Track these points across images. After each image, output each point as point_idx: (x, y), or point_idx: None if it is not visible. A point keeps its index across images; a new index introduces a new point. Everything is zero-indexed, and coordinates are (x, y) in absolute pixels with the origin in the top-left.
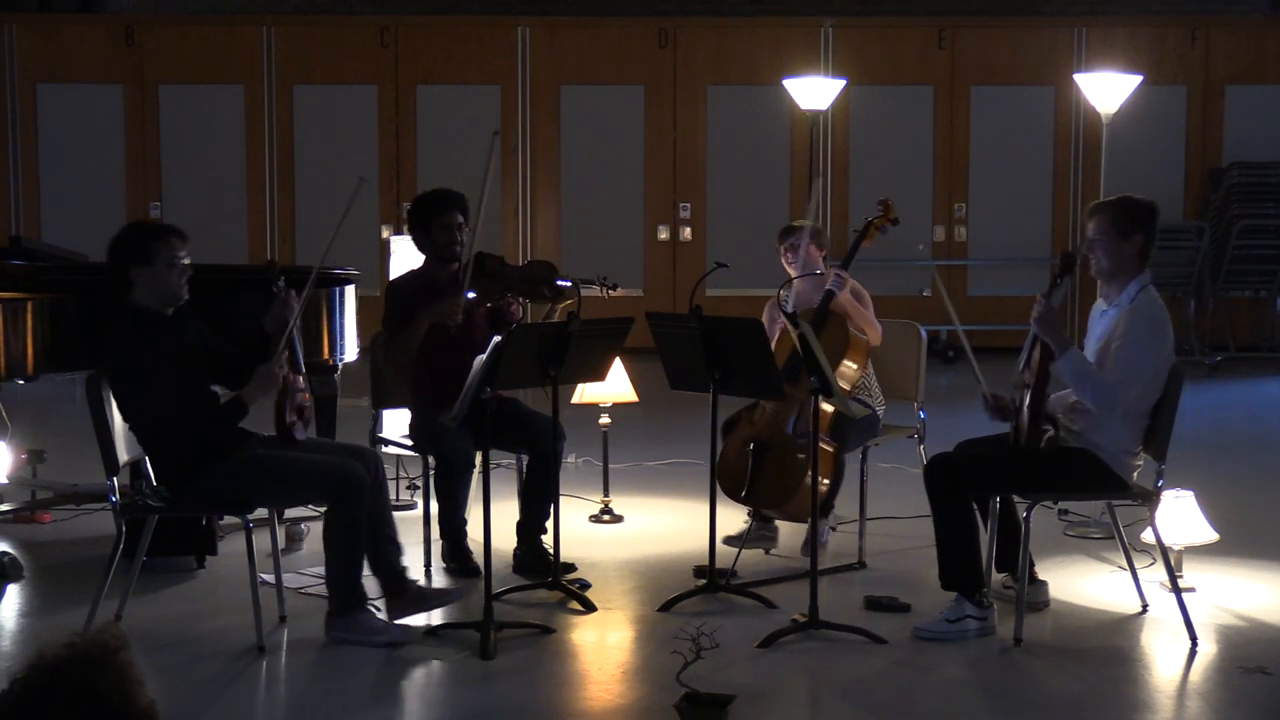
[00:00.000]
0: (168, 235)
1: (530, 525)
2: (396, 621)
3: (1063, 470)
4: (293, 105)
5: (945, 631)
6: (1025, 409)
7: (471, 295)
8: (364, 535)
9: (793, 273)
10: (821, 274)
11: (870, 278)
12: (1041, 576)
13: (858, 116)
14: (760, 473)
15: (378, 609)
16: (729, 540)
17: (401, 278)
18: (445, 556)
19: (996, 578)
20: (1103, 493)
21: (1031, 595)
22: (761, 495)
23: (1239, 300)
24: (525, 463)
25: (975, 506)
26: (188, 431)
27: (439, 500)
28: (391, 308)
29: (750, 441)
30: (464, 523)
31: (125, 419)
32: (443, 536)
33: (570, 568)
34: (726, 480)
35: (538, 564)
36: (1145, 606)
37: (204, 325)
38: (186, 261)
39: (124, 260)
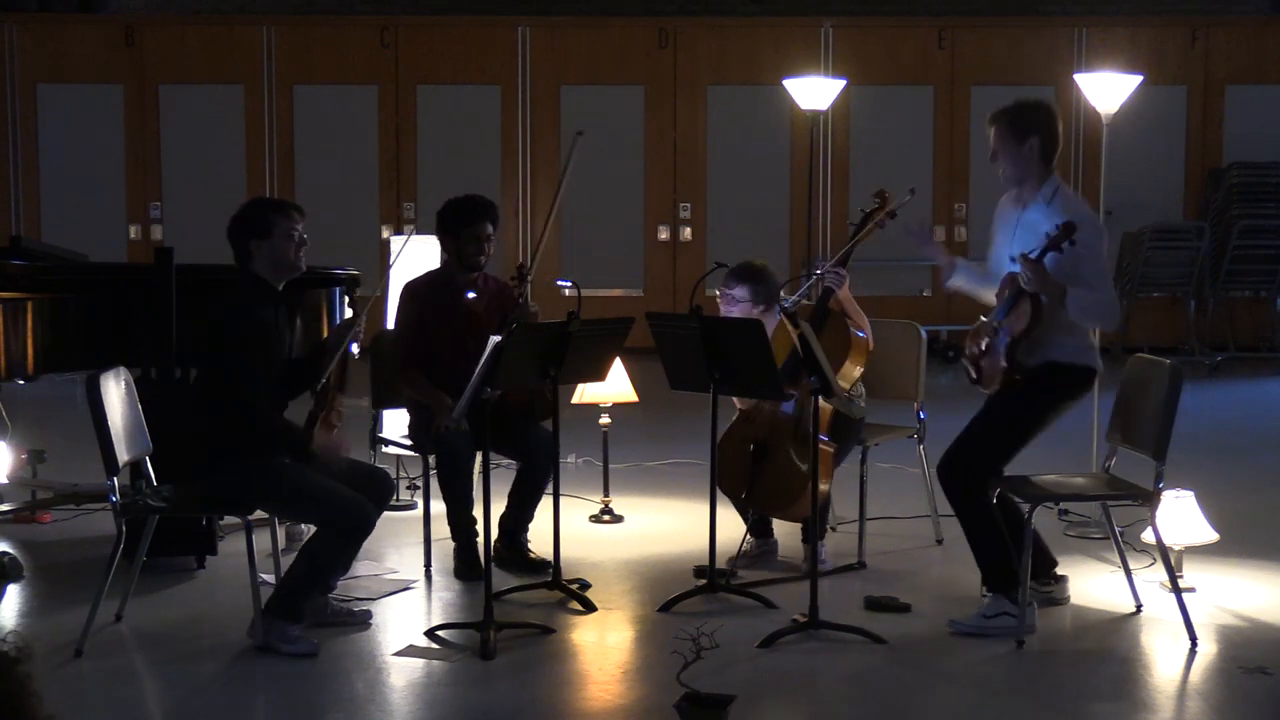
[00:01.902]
0: (286, 208)
1: (513, 523)
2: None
3: (1038, 390)
4: (293, 105)
5: (982, 627)
6: (1000, 352)
7: (471, 295)
8: (340, 572)
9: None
10: (819, 274)
11: (870, 278)
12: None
13: (858, 116)
14: (761, 475)
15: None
16: (732, 562)
17: (417, 280)
18: (458, 560)
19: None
20: (1082, 387)
21: (1058, 592)
22: (763, 498)
23: (1239, 300)
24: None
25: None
26: (249, 416)
27: (445, 501)
28: (403, 310)
29: (750, 443)
30: (474, 521)
31: (201, 389)
32: (454, 539)
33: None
34: (727, 482)
35: (517, 560)
36: (1139, 606)
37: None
38: (303, 234)
39: (245, 234)
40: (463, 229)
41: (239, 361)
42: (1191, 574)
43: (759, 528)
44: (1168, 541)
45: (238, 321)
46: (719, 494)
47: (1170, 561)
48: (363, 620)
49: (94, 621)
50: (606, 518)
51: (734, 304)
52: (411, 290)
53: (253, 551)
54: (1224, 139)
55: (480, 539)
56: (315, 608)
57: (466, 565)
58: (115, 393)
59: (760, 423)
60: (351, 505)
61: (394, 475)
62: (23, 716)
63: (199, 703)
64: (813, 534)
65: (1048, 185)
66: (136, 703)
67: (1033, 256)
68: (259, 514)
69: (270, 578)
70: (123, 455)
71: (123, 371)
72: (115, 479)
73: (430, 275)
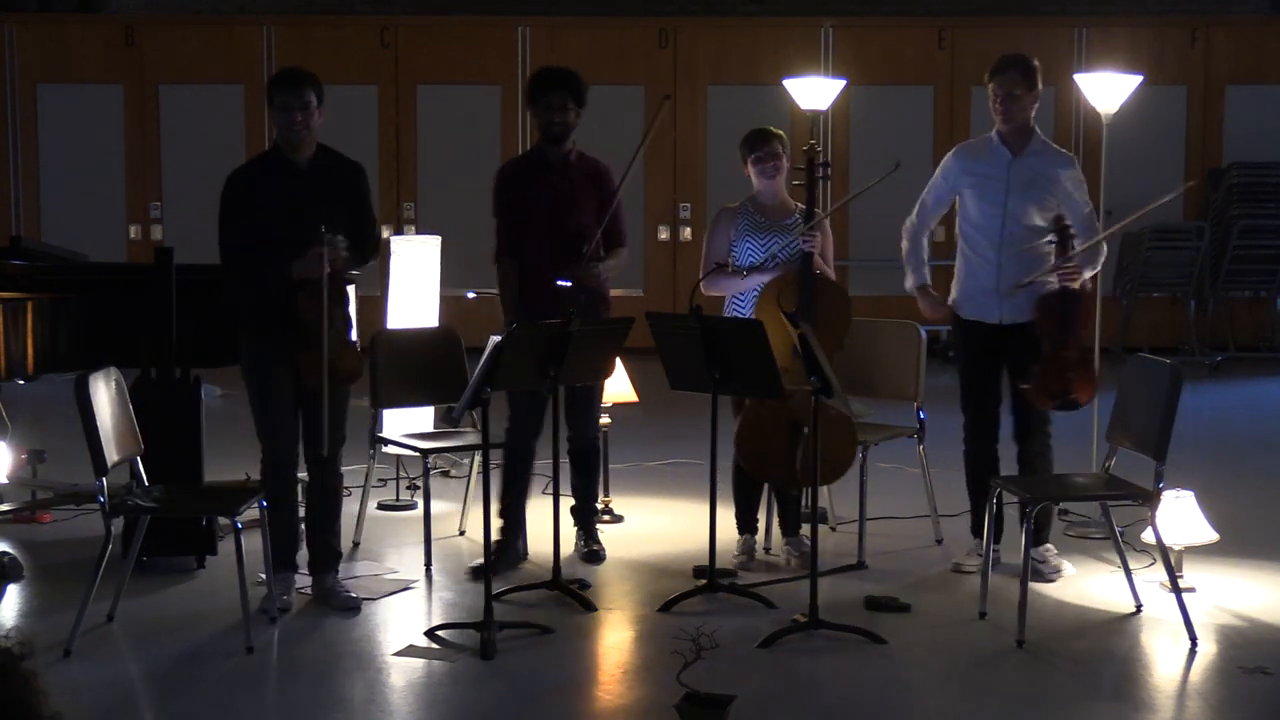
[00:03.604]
0: (285, 83)
1: (581, 498)
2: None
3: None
4: None
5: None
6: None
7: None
8: (286, 509)
9: (759, 185)
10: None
11: (870, 278)
12: (1040, 576)
13: (858, 116)
14: (809, 453)
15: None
16: (733, 573)
17: (506, 163)
18: (496, 554)
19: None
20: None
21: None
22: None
23: (1239, 300)
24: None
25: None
26: (236, 272)
27: (502, 481)
28: (495, 197)
29: (789, 426)
30: (522, 523)
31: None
32: (502, 529)
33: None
34: (772, 471)
35: (589, 557)
36: (1139, 606)
37: (351, 199)
38: (304, 110)
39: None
40: (538, 99)
41: (220, 225)
42: (1191, 574)
43: (752, 525)
44: (1168, 541)
45: (224, 189)
46: (741, 489)
47: (1170, 561)
48: (349, 606)
49: (85, 621)
50: (606, 518)
51: (780, 168)
52: (501, 174)
53: (241, 552)
54: (1224, 139)
55: (480, 537)
56: (321, 589)
57: (502, 560)
58: (105, 393)
59: (795, 407)
60: (273, 442)
61: (394, 475)
62: (29, 713)
63: (196, 702)
64: (813, 531)
65: (1037, 132)
66: (131, 703)
67: (1068, 262)
68: (250, 515)
69: (264, 577)
70: (112, 456)
71: (113, 372)
72: (105, 479)
73: (521, 156)
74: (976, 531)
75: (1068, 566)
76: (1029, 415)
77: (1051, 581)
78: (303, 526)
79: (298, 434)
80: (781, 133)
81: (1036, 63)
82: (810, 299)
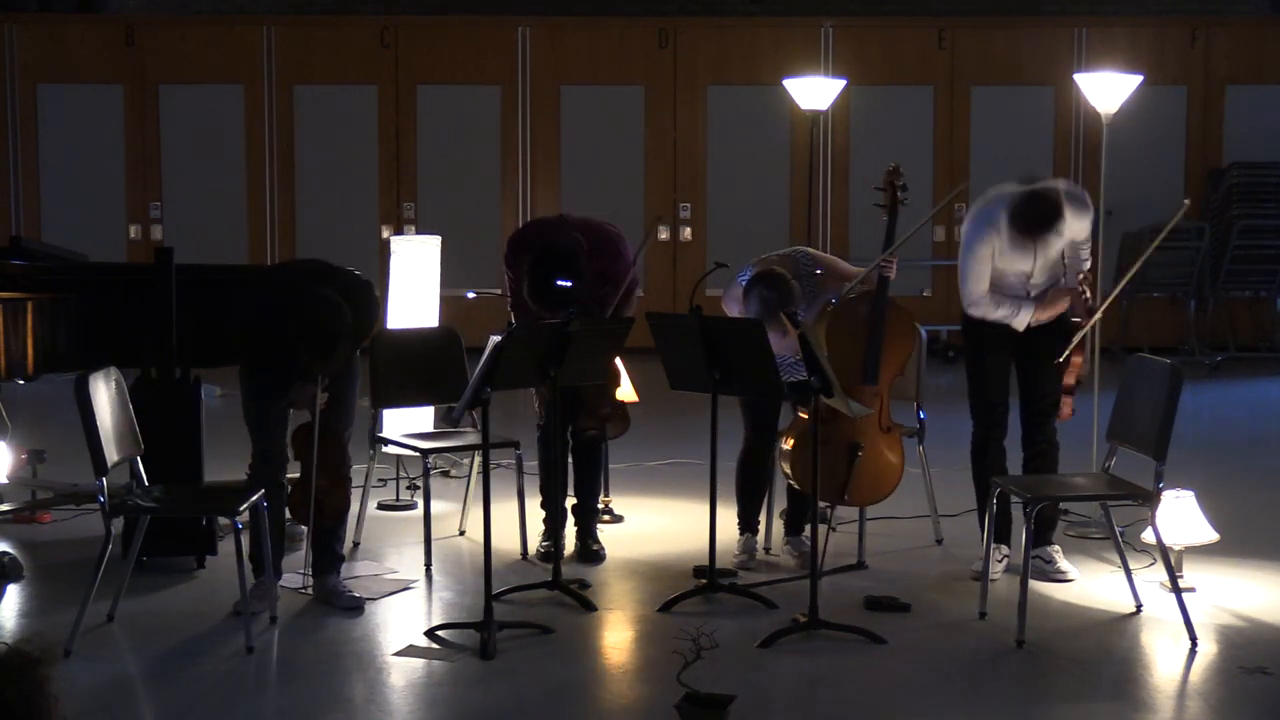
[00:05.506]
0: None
1: (580, 496)
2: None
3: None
4: (293, 105)
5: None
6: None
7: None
8: (273, 511)
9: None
10: (873, 266)
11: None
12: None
13: (858, 116)
14: (861, 472)
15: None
16: (733, 573)
17: (520, 230)
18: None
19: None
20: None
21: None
22: (864, 493)
23: (1239, 300)
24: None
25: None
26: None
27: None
28: (505, 254)
29: (848, 445)
30: (564, 513)
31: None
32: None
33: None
34: (824, 486)
35: (589, 557)
36: (1139, 606)
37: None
38: None
39: None
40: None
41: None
42: (1191, 574)
43: (753, 524)
44: (1168, 541)
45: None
46: (810, 489)
47: (1170, 561)
48: (352, 606)
49: (85, 621)
50: (606, 518)
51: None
52: (512, 240)
53: (241, 552)
54: (1224, 139)
55: (479, 537)
56: (324, 590)
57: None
58: (105, 393)
59: (852, 424)
60: (262, 450)
61: (394, 475)
62: (33, 718)
63: (196, 702)
64: (813, 531)
65: None
66: (130, 703)
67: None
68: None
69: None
70: (112, 455)
71: (113, 372)
72: (105, 479)
73: (535, 226)
74: (1000, 537)
75: (1072, 570)
76: (1034, 413)
77: (1057, 581)
78: (303, 528)
79: (286, 441)
80: (794, 284)
81: None
82: (882, 322)
